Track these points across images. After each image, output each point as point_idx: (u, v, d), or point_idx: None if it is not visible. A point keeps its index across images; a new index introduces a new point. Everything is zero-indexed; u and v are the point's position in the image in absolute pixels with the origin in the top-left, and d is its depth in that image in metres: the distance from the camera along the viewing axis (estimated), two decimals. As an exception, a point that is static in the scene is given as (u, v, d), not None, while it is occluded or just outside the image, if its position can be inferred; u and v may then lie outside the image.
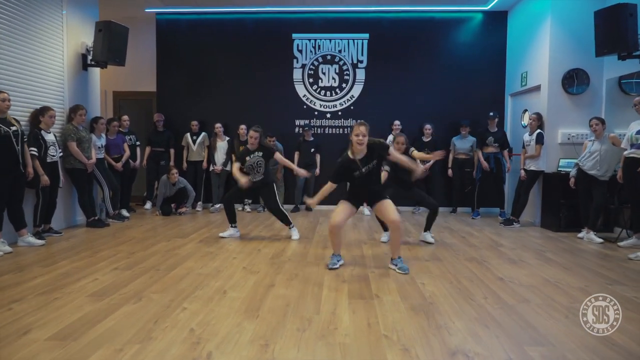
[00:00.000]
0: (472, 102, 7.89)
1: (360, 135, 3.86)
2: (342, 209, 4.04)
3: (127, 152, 7.07)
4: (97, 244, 5.01)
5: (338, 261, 4.16)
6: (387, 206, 4.01)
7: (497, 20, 7.87)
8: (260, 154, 5.28)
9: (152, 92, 8.48)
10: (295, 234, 5.48)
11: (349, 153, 3.97)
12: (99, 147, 6.45)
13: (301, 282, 3.66)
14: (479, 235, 5.82)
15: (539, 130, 6.33)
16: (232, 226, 5.49)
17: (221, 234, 5.47)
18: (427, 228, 5.26)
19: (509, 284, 3.65)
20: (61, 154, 5.62)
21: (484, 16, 7.89)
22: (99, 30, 6.09)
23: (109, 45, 6.12)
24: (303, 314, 2.96)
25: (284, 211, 5.48)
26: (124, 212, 7.01)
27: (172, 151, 7.98)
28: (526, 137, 6.52)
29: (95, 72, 6.74)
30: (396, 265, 4.03)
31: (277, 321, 2.83)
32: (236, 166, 5.35)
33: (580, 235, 5.63)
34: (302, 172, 5.53)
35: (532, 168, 6.36)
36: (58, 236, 5.42)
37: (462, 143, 7.57)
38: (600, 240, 5.32)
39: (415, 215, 7.50)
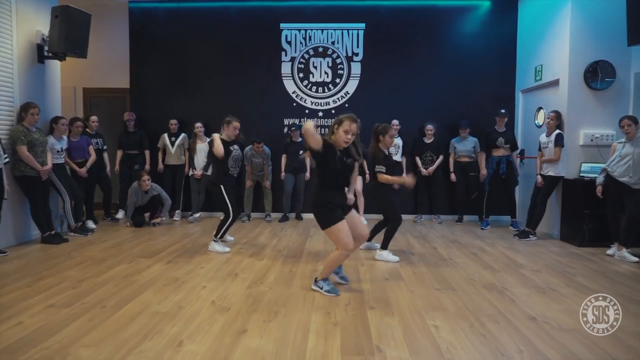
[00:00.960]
0: (478, 99, 7.13)
1: (351, 134, 3.33)
2: (344, 226, 3.40)
3: (93, 156, 6.27)
4: (44, 267, 4.21)
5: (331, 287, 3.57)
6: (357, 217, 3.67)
7: (506, 8, 7.11)
8: (237, 147, 5.06)
9: (126, 88, 7.67)
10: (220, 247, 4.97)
11: (328, 139, 3.41)
12: (59, 151, 5.65)
13: (282, 325, 2.89)
14: (493, 251, 5.06)
15: (558, 131, 5.59)
16: (215, 240, 4.96)
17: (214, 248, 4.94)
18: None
19: (544, 327, 2.88)
20: (7, 159, 4.81)
21: (492, 4, 7.12)
22: (55, 17, 5.28)
23: (67, 34, 5.31)
24: (279, 384, 2.19)
25: (227, 219, 4.99)
26: (90, 224, 6.22)
27: (147, 153, 7.18)
28: (543, 138, 5.77)
29: (55, 65, 5.92)
30: (321, 288, 3.55)
31: (243, 398, 2.07)
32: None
33: (609, 252, 4.89)
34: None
35: (551, 173, 5.61)
36: (1, 256, 4.61)
37: (463, 145, 6.82)
38: (636, 259, 4.58)
39: (416, 225, 6.73)
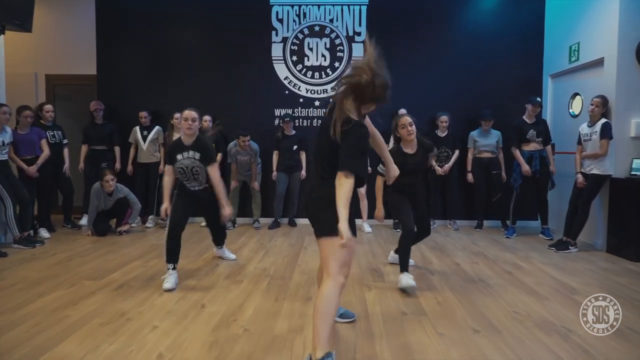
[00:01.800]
0: (498, 87, 6.14)
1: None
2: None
3: (46, 152, 5.27)
4: (-47, 296, 3.22)
5: None
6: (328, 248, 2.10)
7: (533, -20, 6.11)
8: (198, 155, 3.58)
9: (95, 75, 6.67)
10: (228, 254, 4.33)
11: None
12: (0, 146, 4.66)
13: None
14: (530, 268, 4.07)
15: (604, 120, 4.60)
16: (172, 268, 3.54)
17: (165, 286, 3.41)
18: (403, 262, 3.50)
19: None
20: None
21: (516, -25, 6.13)
22: (-13, -21, 4.29)
23: (5, 2, 4.31)
24: None
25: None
26: (43, 233, 5.24)
27: (117, 150, 6.18)
28: (585, 129, 4.79)
29: (-4, 42, 4.92)
30: None
31: None
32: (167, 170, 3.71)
33: (677, 269, 3.91)
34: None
35: (595, 171, 4.63)
36: None
37: (485, 139, 5.84)
38: None
39: (452, 233, 5.73)
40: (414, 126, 3.50)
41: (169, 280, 3.43)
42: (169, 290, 3.34)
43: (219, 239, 4.25)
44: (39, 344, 2.45)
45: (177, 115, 5.75)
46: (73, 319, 2.81)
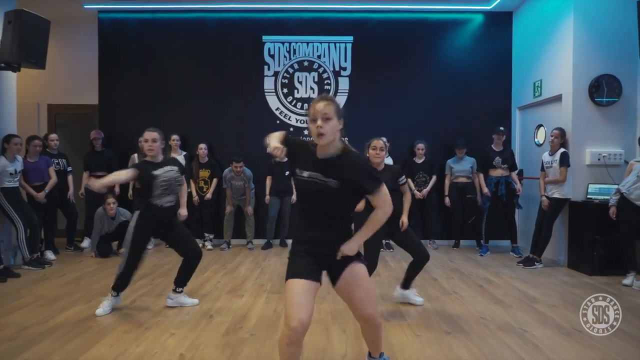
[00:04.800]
0: (472, 117, 6.73)
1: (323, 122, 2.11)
2: (297, 292, 2.04)
3: (53, 178, 5.63)
4: (-18, 311, 3.56)
5: None
6: (360, 283, 2.18)
7: (500, 22, 6.78)
8: (175, 168, 3.64)
9: (96, 105, 7.08)
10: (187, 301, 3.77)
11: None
12: (12, 174, 5.02)
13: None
14: (499, 282, 4.57)
15: (562, 150, 5.19)
16: (113, 295, 3.63)
17: (97, 311, 3.51)
18: (408, 284, 3.82)
19: (585, 385, 2.38)
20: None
21: (485, 18, 6.80)
22: (8, 22, 4.71)
23: (22, 42, 4.72)
24: None
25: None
26: (49, 255, 5.56)
27: (116, 175, 6.55)
28: (546, 157, 5.38)
29: (10, 77, 5.33)
30: None
31: None
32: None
33: (626, 281, 4.44)
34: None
35: (556, 195, 5.19)
36: None
37: (460, 165, 6.39)
38: (658, 289, 4.15)
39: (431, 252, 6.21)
40: (384, 152, 3.58)
41: (104, 305, 3.54)
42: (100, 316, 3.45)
43: (187, 270, 3.73)
44: (73, 348, 2.83)
45: (174, 136, 6.27)
46: (97, 329, 3.19)
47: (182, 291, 3.74)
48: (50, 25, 5.12)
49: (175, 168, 3.64)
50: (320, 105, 2.09)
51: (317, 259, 2.13)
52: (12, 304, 3.77)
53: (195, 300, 3.80)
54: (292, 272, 2.10)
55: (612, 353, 2.80)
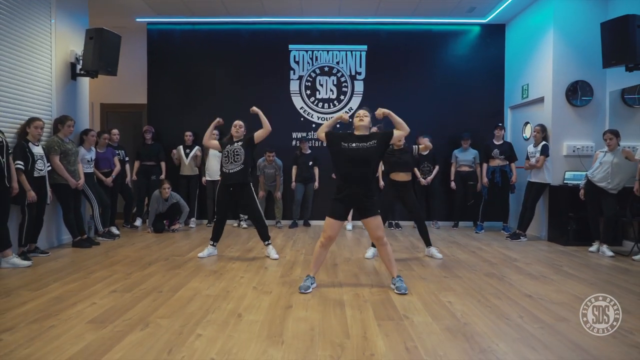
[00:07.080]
0: (471, 114, 7.79)
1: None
2: (331, 224, 3.72)
3: (118, 167, 6.73)
4: (89, 264, 4.65)
5: (312, 284, 3.78)
6: (374, 221, 3.71)
7: (494, 33, 7.84)
8: (241, 143, 4.97)
9: (141, 104, 8.17)
10: (272, 253, 5.06)
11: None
12: (89, 161, 6.10)
13: (320, 303, 3.40)
14: (489, 249, 5.64)
15: (544, 142, 6.24)
16: (212, 244, 5.17)
17: (200, 254, 5.07)
18: (429, 243, 5.19)
19: (539, 302, 3.44)
20: (49, 167, 5.26)
21: (482, 29, 7.85)
22: (89, 38, 5.80)
23: (100, 54, 5.82)
24: (332, 339, 2.69)
25: (265, 223, 5.11)
26: (114, 230, 6.64)
27: (163, 165, 7.65)
28: (531, 148, 6.42)
29: (84, 82, 6.42)
30: (394, 285, 3.74)
31: (306, 347, 2.57)
32: (209, 140, 5.23)
33: (591, 249, 5.50)
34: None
35: (538, 180, 6.25)
36: (45, 256, 5.03)
37: (465, 155, 7.44)
38: (612, 253, 5.20)
39: (416, 230, 7.27)
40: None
41: (205, 251, 5.08)
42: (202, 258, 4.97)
43: (259, 232, 5.08)
44: (174, 283, 3.91)
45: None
46: (184, 274, 4.25)
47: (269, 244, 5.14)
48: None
49: (241, 143, 4.98)
50: (362, 111, 3.70)
51: (348, 205, 3.74)
52: (108, 260, 4.86)
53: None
54: (332, 212, 3.73)
55: (564, 287, 3.86)
